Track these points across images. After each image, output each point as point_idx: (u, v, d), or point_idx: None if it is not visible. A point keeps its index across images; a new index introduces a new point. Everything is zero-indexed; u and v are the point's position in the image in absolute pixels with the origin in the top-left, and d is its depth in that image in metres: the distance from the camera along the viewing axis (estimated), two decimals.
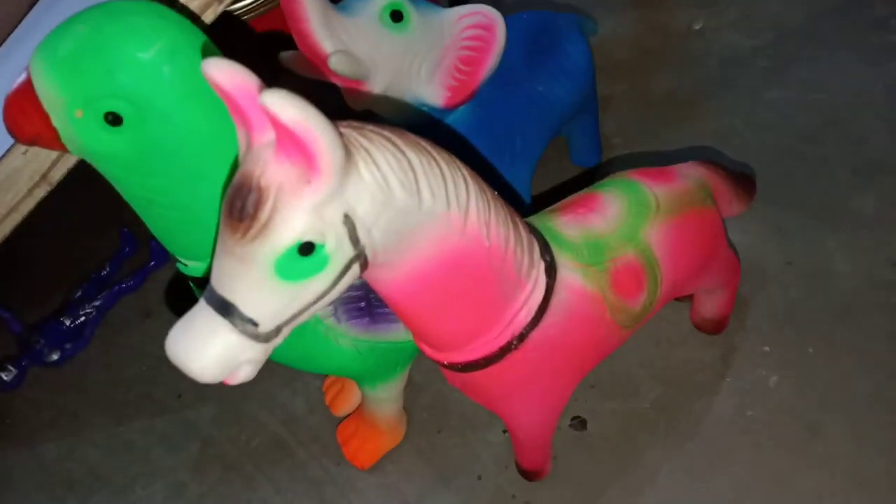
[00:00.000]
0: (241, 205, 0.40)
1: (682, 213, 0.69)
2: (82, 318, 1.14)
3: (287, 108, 0.37)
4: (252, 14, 0.84)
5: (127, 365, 1.10)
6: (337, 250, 0.43)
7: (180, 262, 0.60)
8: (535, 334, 0.59)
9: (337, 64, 0.71)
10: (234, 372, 0.45)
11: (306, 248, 0.41)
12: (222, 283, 0.42)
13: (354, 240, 0.43)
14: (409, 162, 0.45)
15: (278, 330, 0.44)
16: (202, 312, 0.43)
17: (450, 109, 0.81)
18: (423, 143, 0.48)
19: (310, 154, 0.38)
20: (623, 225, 0.66)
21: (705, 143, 1.13)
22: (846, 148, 1.06)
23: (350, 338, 0.71)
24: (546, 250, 0.61)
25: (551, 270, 0.60)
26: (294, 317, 0.44)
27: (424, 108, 0.80)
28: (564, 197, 1.10)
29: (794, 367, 0.86)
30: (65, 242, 1.28)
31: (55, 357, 1.11)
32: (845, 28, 1.25)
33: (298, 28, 0.71)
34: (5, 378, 1.09)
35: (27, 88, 0.48)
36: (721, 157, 1.09)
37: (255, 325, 0.43)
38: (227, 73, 0.40)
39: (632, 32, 1.38)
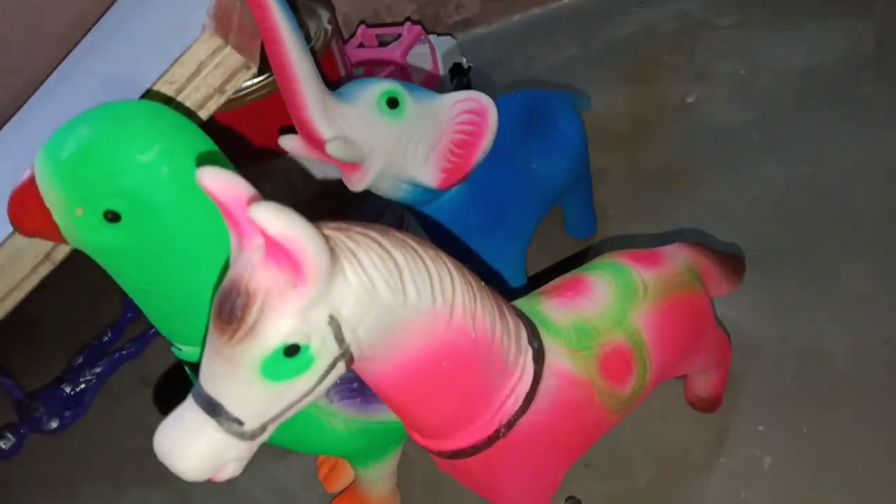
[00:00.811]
0: (229, 308, 0.42)
1: (670, 297, 0.70)
2: (83, 386, 1.14)
3: (274, 221, 0.38)
4: (252, 97, 0.87)
5: (125, 434, 1.10)
6: (322, 350, 0.44)
7: (175, 346, 0.62)
8: (524, 421, 0.60)
9: (334, 150, 0.74)
10: (220, 469, 0.45)
11: (292, 350, 0.42)
12: (210, 383, 0.44)
13: (340, 339, 0.44)
14: (395, 261, 0.47)
15: (263, 428, 0.45)
16: (190, 411, 0.44)
17: (444, 190, 0.83)
18: (409, 240, 0.50)
19: (296, 262, 0.40)
20: (611, 309, 0.67)
21: (698, 217, 1.15)
22: (838, 224, 1.08)
23: (342, 418, 0.71)
24: (534, 336, 0.61)
25: (539, 357, 0.61)
26: (279, 415, 0.45)
27: (420, 190, 0.83)
28: (559, 269, 1.13)
29: (788, 447, 0.85)
30: (67, 308, 1.30)
31: (54, 425, 1.11)
32: (835, 105, 1.28)
33: (298, 115, 0.74)
34: (3, 446, 1.10)
35: (30, 186, 0.50)
36: (712, 236, 1.10)
37: (241, 423, 0.44)
38: (220, 183, 0.42)
39: (626, 106, 1.42)
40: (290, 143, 0.77)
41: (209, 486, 0.98)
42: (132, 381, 1.18)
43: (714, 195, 1.19)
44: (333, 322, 0.44)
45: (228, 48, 0.65)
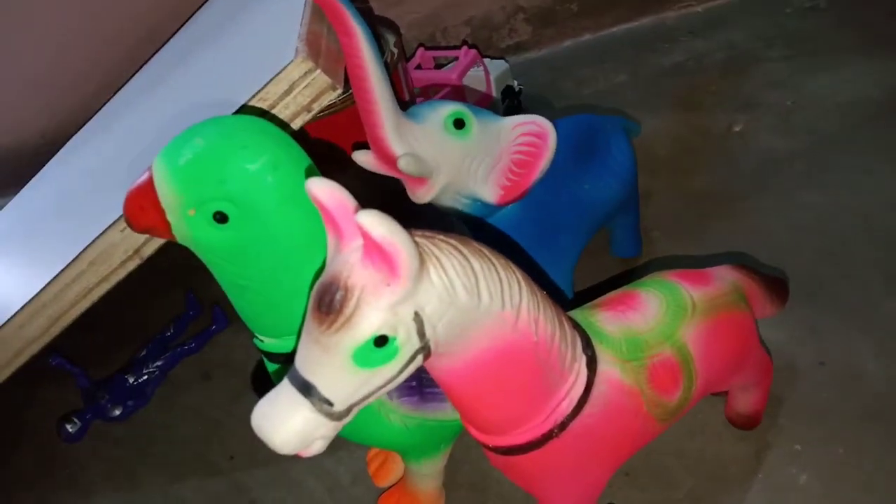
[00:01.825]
0: (329, 300, 0.47)
1: (717, 316, 0.74)
2: (145, 377, 1.21)
3: (378, 226, 0.44)
4: (329, 111, 0.94)
5: (184, 425, 1.17)
6: (406, 343, 0.49)
7: (257, 338, 0.68)
8: (576, 424, 0.64)
9: (405, 166, 0.79)
10: (309, 445, 0.51)
11: (381, 341, 0.48)
12: (305, 367, 0.49)
13: (421, 334, 0.50)
14: (472, 267, 0.52)
15: (349, 410, 0.51)
16: (286, 391, 0.49)
17: (502, 207, 0.89)
18: (484, 249, 0.55)
19: (392, 263, 0.46)
20: (661, 324, 0.71)
21: (741, 241, 1.18)
22: (879, 253, 1.10)
23: (400, 414, 0.76)
24: (588, 345, 0.66)
25: (592, 364, 0.65)
26: (364, 398, 0.51)
27: (479, 205, 0.88)
28: (604, 288, 1.16)
29: (823, 467, 0.88)
30: (133, 303, 1.37)
31: (117, 412, 1.18)
32: (878, 136, 1.31)
33: (373, 132, 0.80)
34: (70, 430, 1.17)
35: (148, 187, 0.57)
36: (756, 260, 1.13)
37: (331, 404, 0.49)
38: (327, 192, 0.48)
39: (673, 132, 1.46)
40: (363, 157, 0.83)
41: (264, 476, 1.05)
42: (192, 375, 1.24)
43: (756, 220, 1.22)
44: (418, 318, 0.49)
45: (318, 71, 0.72)
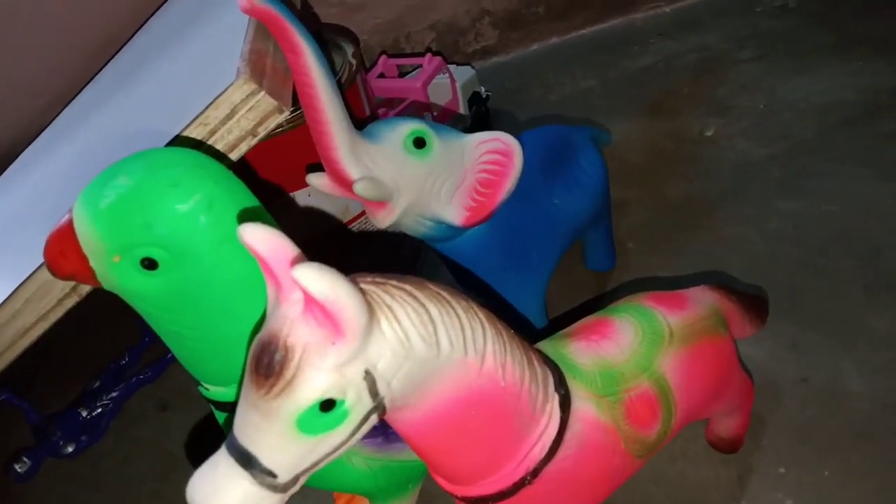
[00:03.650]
0: (267, 362, 0.42)
1: (696, 343, 0.70)
2: (99, 410, 1.15)
3: (317, 282, 0.39)
4: (281, 130, 0.89)
5: (140, 459, 1.10)
6: (357, 404, 0.44)
7: (202, 386, 0.62)
8: (550, 468, 0.60)
9: (362, 190, 0.74)
10: None
11: (328, 405, 0.43)
12: (245, 435, 0.44)
13: (374, 393, 0.45)
14: (430, 315, 0.47)
15: (296, 480, 0.46)
16: (223, 462, 0.44)
17: (468, 228, 0.84)
18: (443, 292, 0.50)
19: (336, 321, 0.41)
20: (637, 354, 0.67)
21: (718, 251, 1.15)
22: (858, 263, 1.08)
23: (363, 457, 0.71)
24: (561, 382, 0.61)
25: (566, 403, 0.61)
26: (311, 466, 0.46)
27: (443, 227, 0.83)
28: (578, 302, 1.13)
29: (809, 490, 0.84)
30: (85, 331, 1.31)
31: (70, 449, 1.12)
32: (855, 141, 1.28)
33: (327, 155, 0.75)
34: (19, 470, 1.10)
35: (68, 232, 0.51)
36: (732, 275, 1.10)
37: (274, 476, 0.44)
38: (260, 239, 0.42)
39: (645, 138, 1.43)
40: (317, 180, 0.78)
41: None
42: (148, 406, 1.18)
43: (733, 229, 1.19)
44: (369, 376, 0.44)
45: (262, 93, 0.66)
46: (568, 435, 0.61)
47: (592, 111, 1.51)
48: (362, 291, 0.43)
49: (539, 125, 1.05)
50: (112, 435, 1.15)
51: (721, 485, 0.87)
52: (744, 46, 1.60)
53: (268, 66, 0.71)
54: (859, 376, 0.94)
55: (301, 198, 1.00)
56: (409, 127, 0.78)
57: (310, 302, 0.41)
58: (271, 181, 0.94)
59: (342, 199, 0.84)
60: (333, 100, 0.72)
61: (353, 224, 1.07)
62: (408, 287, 0.47)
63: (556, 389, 0.61)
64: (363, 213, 1.05)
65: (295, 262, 0.41)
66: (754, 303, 0.83)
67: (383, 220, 0.80)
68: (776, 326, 1.00)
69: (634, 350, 0.67)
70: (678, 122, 1.44)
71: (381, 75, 1.43)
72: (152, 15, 1.09)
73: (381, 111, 1.27)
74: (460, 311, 0.50)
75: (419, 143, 0.78)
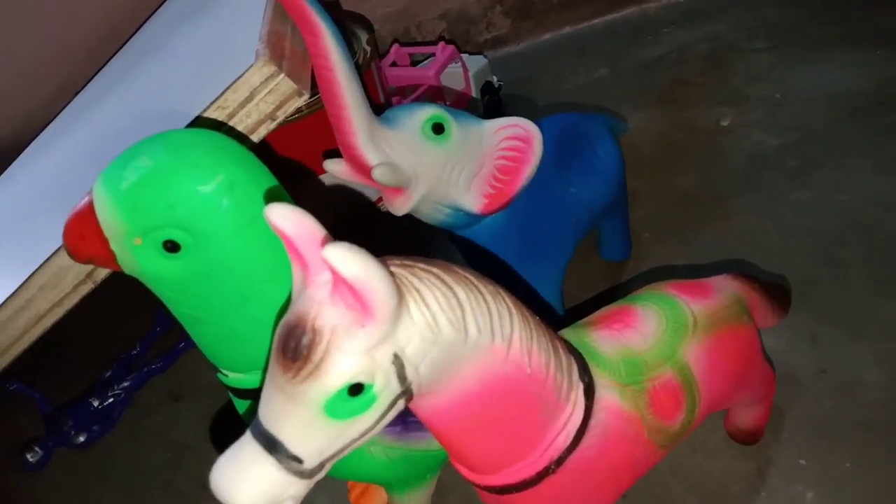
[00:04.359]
0: (294, 345, 0.41)
1: (720, 331, 0.69)
2: (111, 400, 1.14)
3: (348, 263, 0.38)
4: (298, 115, 0.87)
5: (152, 450, 1.10)
6: (385, 389, 0.43)
7: (221, 372, 0.61)
8: (573, 457, 0.59)
9: (381, 176, 0.73)
10: None
11: (356, 389, 0.42)
12: (270, 420, 0.43)
13: (402, 378, 0.44)
14: (458, 299, 0.46)
15: (322, 466, 0.45)
16: (248, 447, 0.43)
17: (486, 216, 0.83)
18: (470, 276, 0.49)
19: (366, 303, 0.39)
20: (661, 343, 0.66)
21: (732, 242, 1.13)
22: (873, 254, 1.06)
23: (382, 446, 0.70)
24: (584, 371, 0.60)
25: (590, 392, 0.60)
26: (338, 452, 0.45)
27: (461, 214, 0.82)
28: (593, 292, 1.11)
29: (830, 482, 0.83)
30: (97, 321, 1.30)
31: (82, 439, 1.11)
32: (866, 132, 1.27)
33: (345, 140, 0.73)
34: (31, 460, 1.09)
35: (88, 214, 0.50)
36: (751, 263, 1.08)
37: (300, 461, 0.43)
38: (290, 220, 0.41)
39: (657, 128, 1.41)
40: (334, 166, 0.77)
41: None
42: (160, 396, 1.18)
43: (747, 220, 1.17)
44: (397, 360, 0.43)
45: (282, 76, 0.65)
46: (592, 423, 0.60)
47: (604, 101, 1.50)
48: (393, 276, 0.42)
49: (553, 114, 1.03)
50: (123, 425, 1.15)
51: (740, 477, 0.86)
52: (754, 37, 1.58)
53: (286, 49, 0.70)
54: (877, 367, 0.93)
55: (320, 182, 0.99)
56: (428, 112, 0.77)
57: (339, 283, 0.40)
58: (290, 165, 0.93)
59: (359, 185, 0.83)
60: (352, 84, 0.71)
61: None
62: (436, 270, 0.46)
63: (581, 377, 0.59)
64: (379, 200, 1.04)
65: (324, 242, 0.40)
66: (777, 292, 0.82)
67: (401, 206, 0.79)
68: (793, 318, 0.98)
69: (658, 338, 0.66)
70: (691, 112, 1.43)
71: (394, 64, 1.42)
72: None
73: (394, 99, 1.26)
74: (488, 296, 0.49)
75: (438, 128, 0.77)
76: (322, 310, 0.41)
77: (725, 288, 0.74)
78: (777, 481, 0.85)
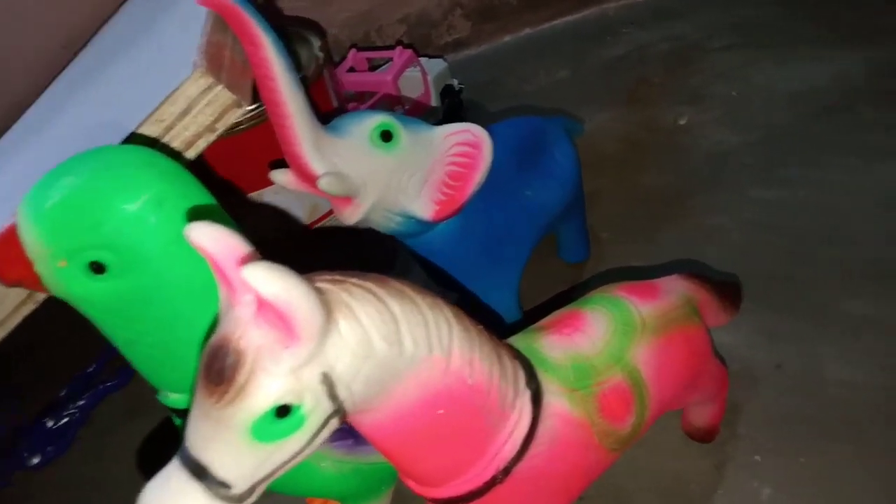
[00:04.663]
0: (218, 367, 0.40)
1: (669, 332, 0.69)
2: (66, 419, 1.12)
3: (268, 282, 0.37)
4: (246, 126, 0.86)
5: (109, 469, 1.08)
6: (314, 409, 0.42)
7: (162, 393, 0.60)
8: (521, 466, 0.58)
9: (327, 186, 0.72)
10: None
11: (283, 411, 0.41)
12: (197, 445, 0.42)
13: (333, 396, 0.43)
14: (392, 313, 0.46)
15: (252, 490, 0.44)
16: (176, 475, 0.42)
17: (439, 222, 0.82)
18: (407, 289, 0.48)
19: (289, 323, 0.39)
20: (609, 346, 0.66)
21: (693, 241, 1.14)
22: (834, 249, 1.07)
23: (333, 460, 0.70)
24: (532, 377, 0.60)
25: (537, 398, 0.59)
26: (268, 476, 0.44)
27: (413, 222, 0.81)
28: (551, 293, 1.12)
29: (786, 478, 0.84)
30: (51, 339, 1.27)
31: (36, 461, 1.09)
32: (828, 128, 1.28)
33: (290, 150, 0.73)
34: None
35: (11, 236, 0.49)
36: (706, 262, 1.09)
37: (229, 487, 0.42)
38: (210, 239, 0.40)
39: (619, 128, 1.42)
40: (281, 177, 0.76)
41: None
42: (118, 413, 1.15)
43: (708, 218, 1.18)
44: (327, 380, 0.42)
45: (220, 87, 0.64)
46: (540, 431, 0.59)
47: (566, 102, 1.50)
48: (319, 290, 0.41)
49: (514, 116, 1.03)
50: (80, 444, 1.13)
51: (698, 475, 0.87)
52: (716, 36, 1.60)
53: (226, 59, 0.69)
54: (834, 363, 0.94)
55: (269, 196, 0.98)
56: (376, 120, 0.76)
57: (262, 303, 0.39)
58: (238, 179, 0.92)
59: (310, 196, 0.82)
60: (295, 93, 0.70)
61: (322, 223, 1.04)
62: (369, 284, 0.46)
63: (528, 385, 0.59)
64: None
65: (245, 261, 0.39)
66: (727, 290, 0.82)
67: (350, 216, 0.78)
68: (752, 314, 1.00)
69: (607, 342, 0.66)
70: (652, 112, 1.44)
71: (352, 69, 1.41)
72: (116, 11, 1.06)
73: (350, 105, 1.25)
74: (425, 308, 0.49)
75: (386, 136, 0.77)
76: (246, 330, 0.40)
77: (675, 288, 0.74)
78: (734, 478, 0.86)
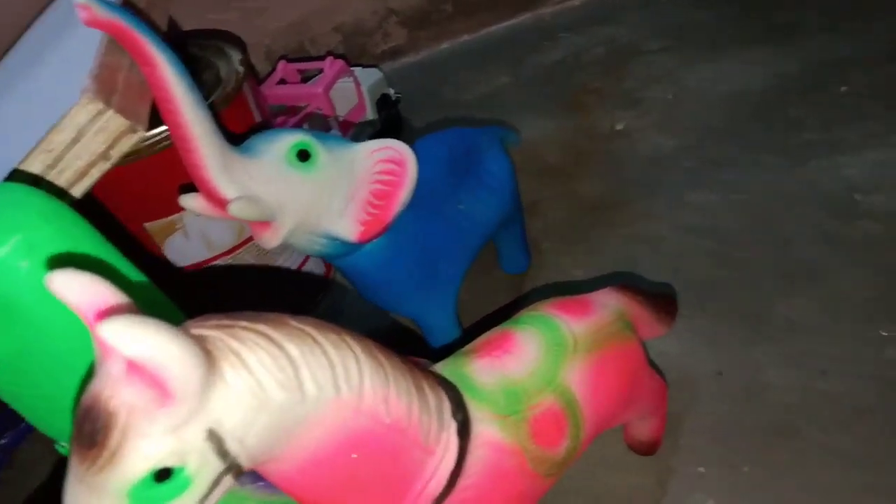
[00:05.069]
0: (89, 430, 0.36)
1: (602, 350, 0.67)
2: None
3: (129, 341, 0.33)
4: (156, 149, 0.82)
5: None
6: (201, 469, 0.39)
7: (58, 444, 0.55)
8: (450, 501, 0.55)
9: (238, 211, 0.68)
10: None
11: (163, 474, 0.37)
12: None
13: (222, 453, 0.39)
14: (288, 357, 0.42)
15: None
16: None
17: (363, 244, 0.79)
18: (308, 327, 0.45)
19: (160, 383, 0.35)
20: (540, 368, 0.64)
21: (632, 248, 1.13)
22: (770, 251, 1.08)
23: (257, 500, 0.65)
24: (459, 407, 0.57)
25: (465, 429, 0.57)
26: None
27: (338, 244, 0.78)
28: (494, 307, 1.09)
29: (729, 489, 0.83)
30: None
31: None
32: (763, 128, 1.29)
33: (197, 175, 0.68)
34: None
35: None
36: (644, 274, 1.08)
37: None
38: (72, 287, 0.36)
39: (558, 134, 1.40)
40: (191, 202, 0.72)
41: None
42: (42, 451, 1.09)
43: (646, 225, 1.18)
44: (214, 436, 0.39)
45: (111, 112, 0.59)
46: (469, 463, 0.56)
47: (506, 109, 1.48)
48: (200, 339, 0.38)
49: (451, 126, 1.01)
50: (2, 487, 1.06)
51: (642, 489, 0.85)
52: (651, 38, 1.60)
53: (120, 82, 0.64)
54: (774, 367, 0.93)
55: (190, 218, 0.93)
56: (291, 139, 0.73)
57: (130, 362, 0.36)
58: (158, 204, 0.87)
59: (233, 221, 0.78)
60: (198, 113, 0.66)
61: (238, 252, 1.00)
62: (262, 327, 0.42)
63: (454, 415, 0.56)
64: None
65: (108, 314, 0.35)
66: (662, 301, 0.81)
67: (270, 240, 0.74)
68: (691, 321, 0.99)
69: (538, 364, 0.64)
70: (591, 118, 1.43)
71: (283, 81, 1.36)
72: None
73: (279, 119, 1.21)
74: (328, 347, 0.45)
75: (303, 155, 0.73)
76: (116, 389, 0.36)
77: (607, 303, 0.72)
78: (678, 490, 0.84)
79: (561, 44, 1.67)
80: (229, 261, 1.01)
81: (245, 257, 1.03)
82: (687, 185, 1.22)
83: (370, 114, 1.41)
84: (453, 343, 0.94)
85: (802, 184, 1.17)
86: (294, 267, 1.11)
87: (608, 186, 1.27)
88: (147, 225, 0.93)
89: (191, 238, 0.96)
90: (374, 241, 0.80)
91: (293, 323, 0.44)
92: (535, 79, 1.59)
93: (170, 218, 0.91)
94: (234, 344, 0.40)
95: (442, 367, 0.63)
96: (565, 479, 0.84)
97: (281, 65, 1.37)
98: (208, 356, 0.38)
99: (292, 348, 0.43)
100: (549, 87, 1.54)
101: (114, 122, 0.60)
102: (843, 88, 1.33)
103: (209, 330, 0.40)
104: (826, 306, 0.98)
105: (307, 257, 1.12)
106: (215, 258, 1.00)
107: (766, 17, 1.57)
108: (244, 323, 0.42)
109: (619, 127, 1.37)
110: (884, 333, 0.94)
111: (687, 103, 1.40)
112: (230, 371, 0.39)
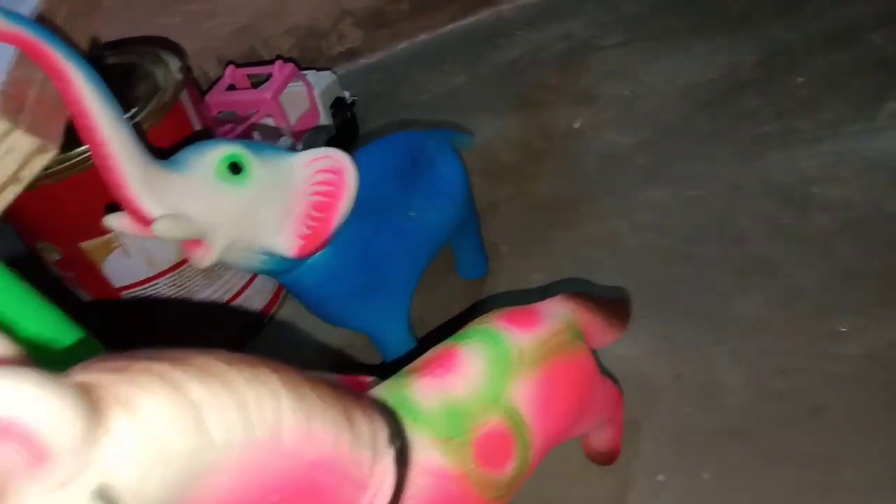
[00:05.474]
0: None
1: (549, 362, 0.65)
2: None
3: None
4: (78, 169, 0.78)
5: None
6: None
7: None
8: None
9: (163, 230, 0.65)
10: None
11: None
12: None
13: None
14: (189, 399, 0.39)
15: None
16: None
17: (305, 258, 0.76)
18: (217, 364, 0.42)
19: (30, 442, 0.32)
20: (484, 386, 0.61)
21: (589, 249, 1.12)
22: (726, 248, 1.06)
23: None
24: (397, 434, 0.54)
25: (403, 457, 0.54)
26: None
27: (277, 259, 0.75)
28: (450, 315, 1.07)
29: (690, 496, 0.81)
30: None
31: None
32: (719, 121, 1.28)
33: (118, 194, 0.65)
34: None
35: None
36: (600, 277, 1.06)
37: None
38: None
39: (516, 133, 1.38)
40: (116, 222, 0.68)
41: None
42: None
43: (604, 224, 1.16)
44: (105, 493, 0.35)
45: (19, 131, 0.56)
46: (409, 494, 0.54)
47: (463, 110, 1.46)
48: (84, 388, 0.35)
49: (405, 129, 0.98)
50: None
51: (602, 500, 0.83)
52: (608, 33, 1.58)
53: (30, 99, 0.60)
54: (732, 367, 0.92)
55: (128, 239, 0.90)
56: (221, 151, 0.69)
57: None
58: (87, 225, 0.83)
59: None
60: (117, 129, 0.62)
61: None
62: (161, 367, 0.39)
63: (391, 443, 0.53)
64: None
65: None
66: (614, 307, 0.79)
67: (202, 259, 0.71)
68: (647, 322, 0.97)
69: (482, 381, 0.61)
70: (547, 116, 1.41)
71: (232, 87, 1.32)
72: None
73: (226, 128, 1.17)
74: (240, 384, 0.42)
75: (235, 168, 0.69)
76: None
77: (556, 312, 0.70)
78: (639, 500, 0.82)
79: (518, 41, 1.64)
80: (174, 278, 0.98)
81: (191, 274, 0.99)
82: (644, 182, 1.21)
83: (324, 118, 1.37)
84: (408, 355, 0.91)
85: (758, 177, 1.16)
86: (244, 281, 1.08)
87: (566, 186, 1.25)
88: (83, 244, 0.89)
89: (132, 256, 0.93)
90: (317, 254, 0.77)
91: (198, 361, 0.41)
92: (492, 77, 1.56)
93: (106, 237, 0.87)
94: (126, 390, 0.37)
95: (381, 390, 0.60)
96: (523, 492, 0.82)
97: (229, 70, 1.32)
98: (92, 407, 0.34)
99: (194, 390, 0.39)
100: (507, 86, 1.52)
101: (22, 141, 0.56)
102: (800, 80, 1.32)
103: (99, 374, 0.36)
104: (783, 303, 0.97)
105: None
106: (159, 276, 0.96)
107: (721, 7, 1.56)
108: (142, 364, 0.38)
109: (576, 125, 1.35)
110: (842, 329, 0.93)
111: (644, 99, 1.38)
112: (124, 419, 0.36)
